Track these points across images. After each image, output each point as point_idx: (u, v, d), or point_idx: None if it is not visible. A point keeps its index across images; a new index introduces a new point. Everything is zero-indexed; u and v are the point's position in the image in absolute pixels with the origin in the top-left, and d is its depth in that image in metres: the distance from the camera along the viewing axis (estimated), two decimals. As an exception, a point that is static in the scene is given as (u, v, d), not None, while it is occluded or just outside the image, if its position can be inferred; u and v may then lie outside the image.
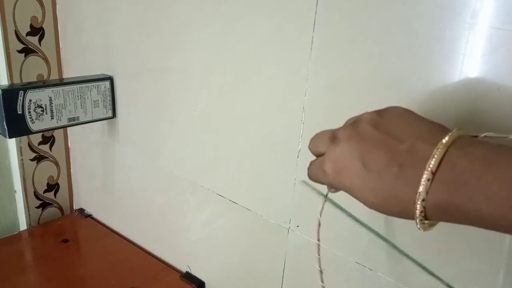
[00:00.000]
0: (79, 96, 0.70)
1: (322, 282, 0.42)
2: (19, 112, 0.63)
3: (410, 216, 0.27)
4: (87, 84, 0.71)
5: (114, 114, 0.77)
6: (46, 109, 0.66)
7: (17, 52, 0.79)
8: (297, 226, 0.55)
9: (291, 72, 0.51)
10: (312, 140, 0.35)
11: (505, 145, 0.25)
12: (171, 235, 0.75)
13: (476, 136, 0.29)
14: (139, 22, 0.69)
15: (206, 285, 0.71)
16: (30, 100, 0.64)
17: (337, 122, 0.35)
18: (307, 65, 0.49)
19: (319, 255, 0.41)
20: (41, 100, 0.65)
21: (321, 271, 0.42)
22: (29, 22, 0.80)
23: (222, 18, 0.57)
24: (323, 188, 0.38)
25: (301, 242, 0.55)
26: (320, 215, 0.40)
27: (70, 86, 0.69)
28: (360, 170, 0.29)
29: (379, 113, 0.31)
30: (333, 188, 0.34)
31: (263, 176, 0.58)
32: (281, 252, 0.58)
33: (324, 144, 0.33)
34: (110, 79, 0.75)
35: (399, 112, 0.31)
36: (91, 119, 0.74)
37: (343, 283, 0.52)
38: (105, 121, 0.79)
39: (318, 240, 0.41)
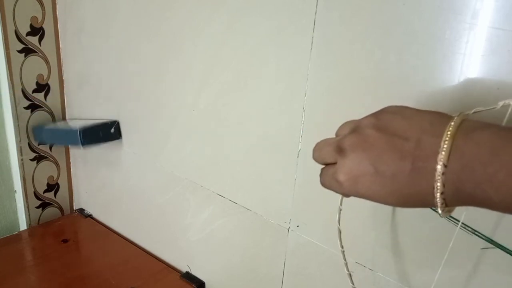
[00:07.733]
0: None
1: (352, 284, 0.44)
2: None
3: (431, 206, 0.28)
4: None
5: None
6: None
7: (17, 52, 0.79)
8: (297, 226, 0.55)
9: (291, 72, 0.51)
10: (315, 151, 0.35)
11: (510, 128, 0.25)
12: (171, 235, 0.75)
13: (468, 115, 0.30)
14: (139, 22, 0.69)
15: (206, 285, 0.71)
16: None
17: (337, 122, 0.35)
18: (307, 65, 0.49)
19: (345, 260, 0.43)
20: None
21: (349, 274, 0.44)
22: (29, 22, 0.79)
23: (222, 18, 0.57)
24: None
25: (301, 242, 0.55)
26: (339, 224, 0.42)
27: None
28: (375, 176, 0.29)
29: (377, 116, 0.31)
30: (349, 196, 0.34)
31: (263, 176, 0.58)
32: (281, 252, 0.58)
33: (330, 155, 0.33)
34: None
35: (395, 110, 0.31)
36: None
37: (343, 283, 0.52)
38: (105, 121, 0.79)
39: (342, 247, 0.43)
